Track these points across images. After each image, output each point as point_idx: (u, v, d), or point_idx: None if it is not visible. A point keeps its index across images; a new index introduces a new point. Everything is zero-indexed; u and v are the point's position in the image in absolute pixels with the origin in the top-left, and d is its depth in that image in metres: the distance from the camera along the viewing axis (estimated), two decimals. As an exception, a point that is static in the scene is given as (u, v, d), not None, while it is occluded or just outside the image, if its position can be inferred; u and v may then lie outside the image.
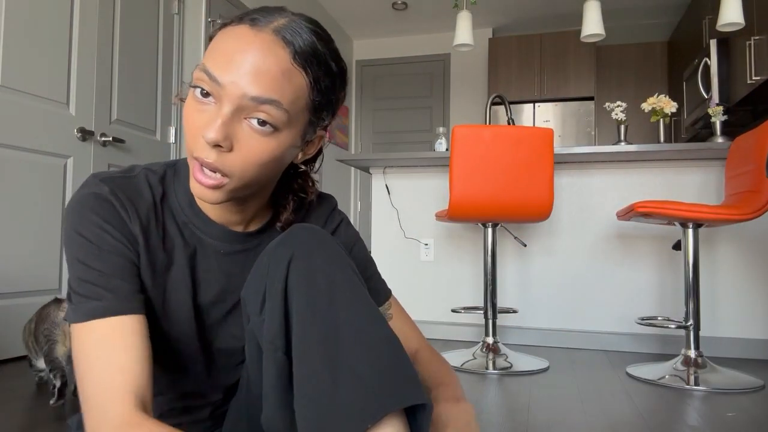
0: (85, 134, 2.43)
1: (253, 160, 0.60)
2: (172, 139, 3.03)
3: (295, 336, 0.57)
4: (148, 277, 0.66)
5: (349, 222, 0.84)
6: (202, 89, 0.59)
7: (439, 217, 2.32)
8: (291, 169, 0.74)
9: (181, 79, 3.12)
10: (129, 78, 2.72)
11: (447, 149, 2.84)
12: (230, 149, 0.59)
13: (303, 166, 0.76)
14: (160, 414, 0.73)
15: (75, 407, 1.57)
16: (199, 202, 0.70)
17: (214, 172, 0.59)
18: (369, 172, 3.04)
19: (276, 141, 0.61)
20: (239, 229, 0.72)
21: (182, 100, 0.67)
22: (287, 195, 0.75)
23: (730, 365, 2.19)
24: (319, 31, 0.63)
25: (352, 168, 5.48)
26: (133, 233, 0.64)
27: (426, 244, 2.87)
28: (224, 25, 0.61)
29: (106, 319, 0.59)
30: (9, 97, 2.12)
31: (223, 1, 3.44)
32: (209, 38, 0.63)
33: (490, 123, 2.64)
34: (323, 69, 0.63)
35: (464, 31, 3.31)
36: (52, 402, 1.55)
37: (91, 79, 2.49)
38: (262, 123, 0.59)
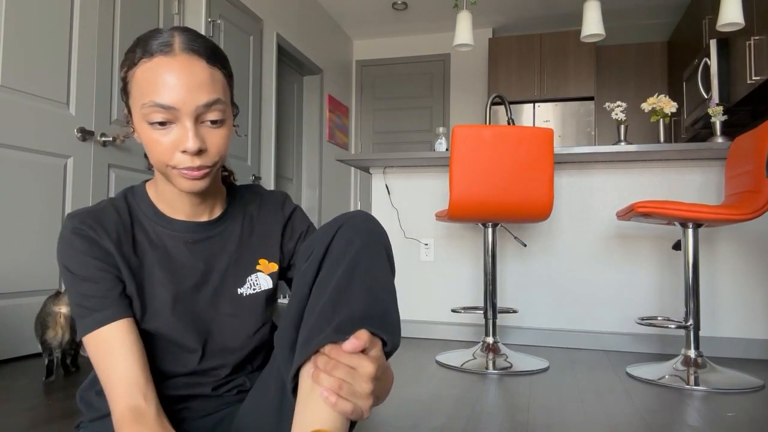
0: (85, 134, 2.43)
1: (221, 148, 0.75)
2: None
3: (321, 270, 0.71)
4: (129, 280, 0.78)
5: (303, 211, 0.97)
6: (158, 121, 0.71)
7: (439, 217, 2.32)
8: None
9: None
10: (129, 78, 2.72)
11: (447, 149, 2.84)
12: (206, 149, 0.73)
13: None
14: (168, 396, 0.81)
15: (65, 385, 1.59)
16: (161, 208, 0.83)
17: (200, 169, 0.74)
18: (369, 172, 3.04)
19: (227, 127, 0.76)
20: (205, 218, 0.86)
21: (127, 137, 0.85)
22: (224, 180, 0.92)
23: (730, 365, 2.19)
24: (196, 31, 0.76)
25: (352, 168, 5.48)
26: (106, 249, 0.77)
27: (426, 244, 2.87)
28: (135, 64, 0.73)
29: (100, 329, 0.74)
30: (9, 97, 2.12)
31: (223, 1, 3.44)
32: (122, 79, 0.76)
33: (490, 123, 2.64)
34: (221, 57, 0.77)
35: (464, 31, 3.32)
36: (43, 379, 1.82)
37: (91, 79, 2.49)
38: (214, 121, 0.73)
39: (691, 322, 2.07)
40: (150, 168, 0.85)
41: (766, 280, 2.45)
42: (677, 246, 2.23)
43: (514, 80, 5.15)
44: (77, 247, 0.76)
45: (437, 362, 2.25)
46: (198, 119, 0.72)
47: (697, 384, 1.92)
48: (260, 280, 0.88)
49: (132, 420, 0.70)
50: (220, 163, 0.77)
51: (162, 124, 0.71)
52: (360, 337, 0.62)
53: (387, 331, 0.66)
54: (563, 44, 5.05)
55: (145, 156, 0.82)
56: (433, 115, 5.67)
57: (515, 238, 2.67)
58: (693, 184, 2.53)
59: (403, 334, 2.86)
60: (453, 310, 2.51)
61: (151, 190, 0.85)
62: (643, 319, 2.22)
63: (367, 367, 0.62)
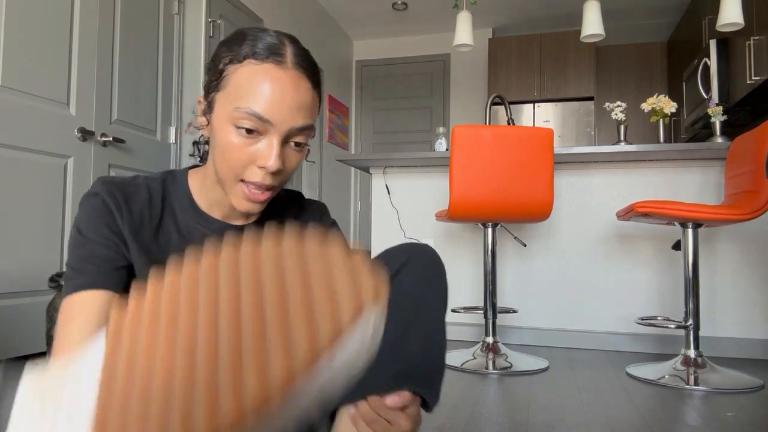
0: (86, 134, 2.43)
1: (292, 171, 0.74)
2: (172, 139, 3.03)
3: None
4: (143, 265, 0.74)
5: (339, 228, 0.95)
6: (246, 128, 0.68)
7: (439, 217, 2.32)
8: None
9: (182, 88, 3.12)
10: (129, 78, 2.72)
11: (447, 149, 2.84)
12: (282, 171, 0.71)
13: None
14: None
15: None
16: (199, 201, 0.78)
17: (268, 190, 0.71)
18: (369, 172, 3.04)
19: (304, 150, 0.74)
20: (239, 223, 0.81)
21: (198, 128, 0.77)
22: None
23: (730, 365, 2.19)
24: (301, 44, 0.73)
25: (352, 168, 5.48)
26: (120, 229, 0.73)
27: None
28: (240, 60, 0.69)
29: (78, 293, 0.69)
30: (9, 97, 2.12)
31: (223, 1, 3.44)
32: (219, 70, 0.71)
33: (490, 123, 2.64)
34: (319, 81, 0.75)
35: (464, 31, 3.32)
36: None
37: (91, 79, 2.49)
38: (298, 144, 0.72)
39: (690, 322, 2.07)
40: (201, 159, 0.82)
41: (766, 280, 2.45)
42: (677, 246, 2.23)
43: (514, 80, 5.15)
44: (93, 210, 0.72)
45: (437, 362, 2.24)
46: (286, 139, 0.70)
47: (696, 384, 1.92)
48: None
49: None
50: (282, 185, 0.75)
51: (249, 131, 0.68)
52: (403, 396, 0.66)
53: (430, 392, 0.71)
54: (563, 44, 5.05)
55: (197, 152, 0.79)
56: (433, 115, 5.67)
57: (515, 238, 2.67)
58: (693, 184, 2.54)
59: (403, 334, 2.85)
60: (453, 310, 2.51)
61: (194, 181, 0.80)
62: (642, 319, 2.23)
63: (403, 424, 0.66)
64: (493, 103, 4.82)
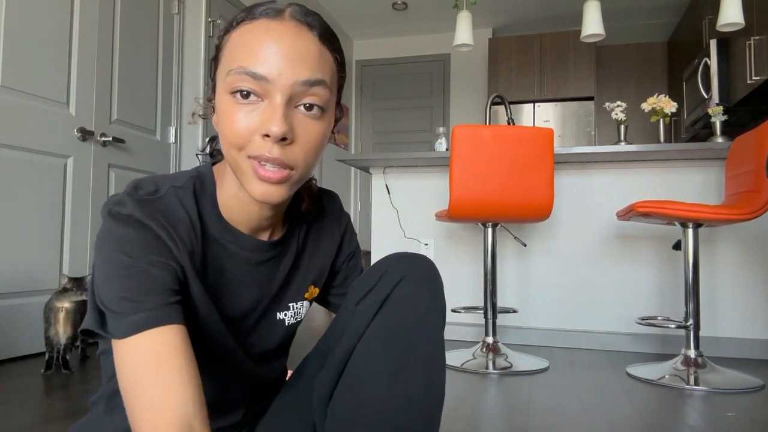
0: (85, 134, 2.43)
1: (313, 146, 0.60)
2: (172, 139, 3.03)
3: (372, 333, 0.65)
4: (200, 299, 0.64)
5: (352, 224, 0.87)
6: (243, 91, 0.57)
7: (439, 217, 2.32)
8: None
9: (182, 88, 3.12)
10: (129, 78, 2.72)
11: (447, 149, 2.84)
12: (293, 141, 0.59)
13: None
14: None
15: (63, 382, 1.59)
16: (227, 216, 0.68)
17: (279, 167, 0.59)
18: (369, 172, 3.04)
19: (326, 122, 0.62)
20: (265, 238, 0.72)
21: (203, 117, 0.67)
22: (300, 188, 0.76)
23: (730, 365, 2.19)
24: (319, 15, 0.64)
25: (352, 168, 5.48)
26: (178, 259, 0.61)
27: (426, 244, 2.87)
28: (233, 27, 0.61)
29: (149, 332, 0.54)
30: (9, 97, 2.12)
31: (223, 1, 3.44)
32: (216, 46, 0.63)
33: (490, 123, 2.64)
34: (338, 46, 0.64)
35: (464, 31, 3.31)
36: (41, 371, 1.91)
37: (91, 79, 2.49)
38: (310, 107, 0.59)
39: (691, 322, 2.07)
40: (211, 155, 0.73)
41: (766, 280, 2.45)
42: (677, 246, 2.23)
43: (514, 80, 5.15)
44: (137, 241, 0.58)
45: (437, 362, 2.24)
46: (292, 101, 0.58)
47: (697, 384, 1.92)
48: (303, 310, 0.78)
49: None
50: (305, 172, 0.62)
51: (246, 96, 0.57)
52: None
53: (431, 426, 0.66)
54: (563, 44, 5.05)
55: (209, 147, 0.71)
56: (433, 115, 5.67)
57: (515, 238, 2.67)
58: (693, 184, 2.53)
59: (403, 334, 2.85)
60: (453, 310, 2.51)
61: (217, 181, 0.69)
62: (643, 319, 2.22)
63: None
64: (493, 103, 4.82)
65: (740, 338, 2.45)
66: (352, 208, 5.79)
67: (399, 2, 4.97)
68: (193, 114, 0.71)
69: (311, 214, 0.78)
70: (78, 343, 2.00)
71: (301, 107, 0.59)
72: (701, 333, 2.12)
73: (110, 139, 2.55)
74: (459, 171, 2.06)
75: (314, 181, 0.79)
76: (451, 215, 2.12)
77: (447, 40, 5.55)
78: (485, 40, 5.35)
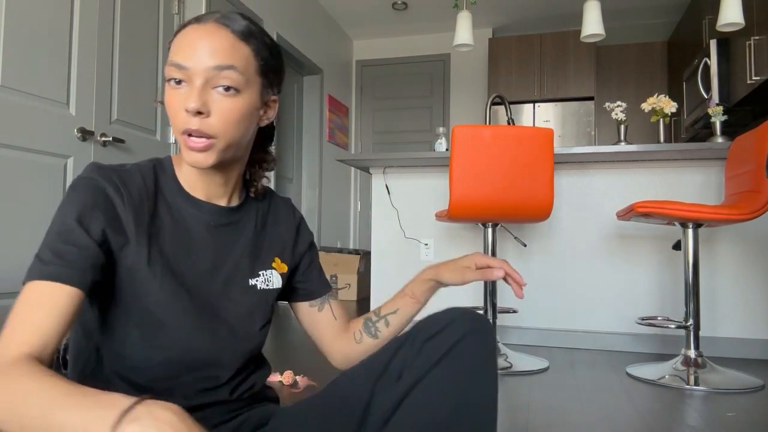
0: (85, 134, 2.43)
1: (229, 119, 0.73)
2: (172, 139, 3.03)
3: (435, 375, 0.72)
4: (142, 248, 0.74)
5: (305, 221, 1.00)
6: (174, 79, 0.72)
7: (439, 217, 2.32)
8: (257, 140, 0.87)
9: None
10: (129, 78, 2.72)
11: (447, 149, 2.84)
12: (209, 114, 0.72)
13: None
14: (181, 397, 0.75)
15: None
16: (186, 186, 0.81)
17: (201, 137, 0.72)
18: (369, 172, 3.04)
19: (242, 100, 0.74)
20: (223, 203, 0.84)
21: (161, 102, 0.82)
22: (254, 166, 0.90)
23: (730, 365, 2.19)
24: (250, 19, 0.78)
25: (352, 168, 5.48)
26: (119, 214, 0.73)
27: (426, 244, 2.87)
28: (177, 33, 0.76)
29: (46, 282, 0.66)
30: (9, 97, 2.12)
31: (223, 1, 3.44)
32: (168, 50, 0.78)
33: (490, 123, 2.64)
34: (259, 41, 0.77)
35: (464, 31, 3.31)
36: None
37: (91, 79, 2.49)
38: (227, 88, 0.72)
39: (691, 322, 2.07)
40: None
41: (766, 280, 2.45)
42: (677, 246, 2.23)
43: (514, 80, 5.15)
44: (89, 195, 0.71)
45: (437, 362, 2.24)
46: (209, 83, 0.72)
47: (697, 384, 1.92)
48: (273, 278, 0.88)
49: (27, 360, 0.60)
50: (228, 140, 0.74)
51: (178, 83, 0.72)
52: None
53: None
54: (563, 44, 5.05)
55: None
56: (433, 115, 5.67)
57: (515, 238, 2.67)
58: (693, 184, 2.53)
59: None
60: (453, 310, 2.51)
61: (176, 166, 0.83)
62: (643, 319, 2.23)
63: None
64: (493, 103, 4.82)
65: (740, 338, 2.45)
66: (352, 208, 5.79)
67: (399, 2, 4.97)
68: (155, 100, 0.88)
69: (263, 202, 0.91)
70: None
71: (219, 88, 0.72)
72: (701, 333, 2.12)
73: (110, 139, 2.55)
74: (459, 171, 2.06)
75: (263, 174, 0.92)
76: (451, 215, 2.12)
77: (447, 40, 5.55)
78: (485, 40, 5.35)
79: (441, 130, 2.95)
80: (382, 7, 5.09)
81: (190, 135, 0.72)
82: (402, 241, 2.91)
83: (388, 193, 2.94)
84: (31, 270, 0.68)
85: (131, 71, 2.74)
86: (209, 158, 0.74)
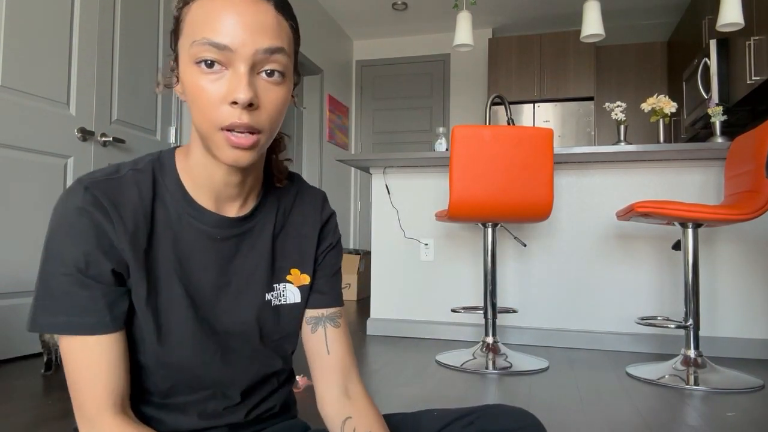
0: (85, 134, 2.43)
1: (276, 109, 0.64)
2: (172, 139, 3.03)
3: None
4: (140, 272, 0.66)
5: (336, 219, 0.87)
6: (206, 60, 0.60)
7: (439, 217, 2.32)
8: None
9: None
10: (129, 78, 2.72)
11: (447, 149, 2.84)
12: (258, 106, 0.61)
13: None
14: (196, 416, 0.73)
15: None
16: (191, 190, 0.70)
17: (248, 133, 0.62)
18: (369, 172, 3.04)
19: (286, 88, 0.65)
20: (232, 213, 0.73)
21: (168, 86, 0.69)
22: (271, 154, 0.79)
23: (730, 365, 2.19)
24: None
25: (352, 168, 5.48)
26: (114, 245, 0.64)
27: (426, 244, 2.87)
28: (189, 0, 0.63)
29: (85, 337, 0.62)
30: (9, 97, 2.12)
31: (223, 1, 3.44)
32: (175, 18, 0.66)
33: (490, 123, 2.64)
34: (292, 13, 0.67)
35: (464, 31, 3.32)
36: (41, 371, 1.93)
37: (91, 79, 2.49)
38: (271, 73, 0.62)
39: (690, 322, 2.07)
40: None
41: (766, 280, 2.45)
42: (677, 246, 2.23)
43: (514, 80, 5.15)
44: (80, 233, 0.62)
45: (437, 362, 2.25)
46: (255, 68, 0.61)
47: (696, 384, 1.92)
48: (287, 292, 0.77)
49: (116, 413, 0.63)
50: (270, 134, 0.65)
51: (210, 65, 0.60)
52: None
53: None
54: (563, 44, 5.05)
55: None
56: (433, 115, 5.67)
57: (515, 238, 2.67)
58: (693, 184, 2.54)
59: (403, 334, 2.86)
60: (453, 310, 2.51)
61: (181, 160, 0.71)
62: (642, 319, 2.23)
63: None
64: (493, 103, 4.82)
65: (740, 338, 2.45)
66: (352, 208, 5.79)
67: (399, 2, 4.97)
68: (158, 83, 0.73)
69: (289, 195, 0.79)
70: None
71: (263, 74, 0.62)
72: (701, 333, 2.12)
73: (110, 139, 2.55)
74: (459, 171, 2.06)
75: (285, 161, 0.81)
76: (451, 215, 2.12)
77: (447, 40, 5.56)
78: (485, 40, 5.35)
79: (441, 130, 2.95)
80: (382, 7, 5.09)
81: (231, 130, 0.61)
82: (402, 241, 2.91)
83: (388, 193, 2.94)
84: (69, 327, 0.62)
85: (131, 71, 2.74)
86: (252, 155, 0.63)
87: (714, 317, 2.48)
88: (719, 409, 1.65)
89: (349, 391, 0.78)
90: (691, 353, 2.05)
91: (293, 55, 0.67)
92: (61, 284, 0.62)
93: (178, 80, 0.66)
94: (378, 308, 2.93)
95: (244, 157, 0.63)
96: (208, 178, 0.69)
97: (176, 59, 0.66)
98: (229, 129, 0.61)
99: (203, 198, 0.71)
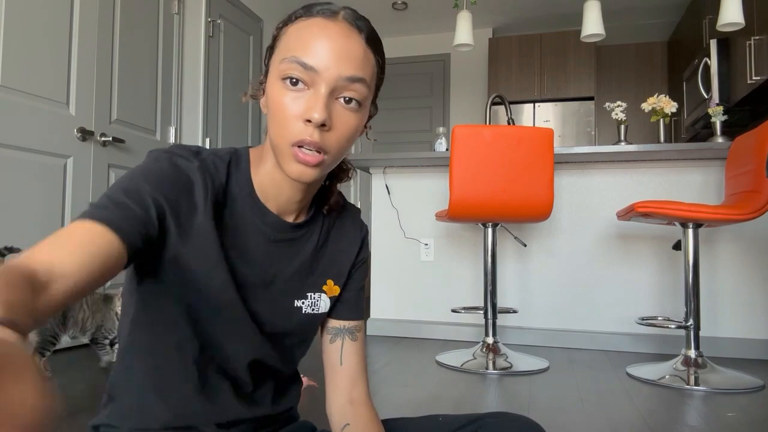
0: (85, 134, 2.43)
1: (346, 135, 0.67)
2: (172, 139, 3.03)
3: None
4: (204, 246, 0.68)
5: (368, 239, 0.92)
6: (292, 78, 0.64)
7: (439, 217, 2.32)
8: None
9: (182, 88, 3.11)
10: (129, 78, 2.72)
11: (447, 149, 2.84)
12: (330, 128, 0.65)
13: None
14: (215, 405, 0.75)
15: (92, 407, 1.59)
16: (260, 195, 0.74)
17: (314, 151, 0.65)
18: (369, 172, 3.04)
19: (359, 117, 0.69)
20: (290, 219, 0.77)
21: (253, 98, 0.75)
22: (330, 179, 0.84)
23: (730, 365, 2.19)
24: (368, 20, 0.71)
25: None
26: (195, 202, 0.67)
27: (426, 244, 2.87)
28: (291, 21, 0.68)
29: (91, 222, 0.56)
30: (9, 97, 2.11)
31: (222, 1, 3.44)
32: (273, 36, 0.71)
33: (490, 123, 2.64)
34: (381, 49, 0.72)
35: (464, 31, 3.31)
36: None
37: (91, 79, 2.49)
38: (349, 101, 0.66)
39: (691, 322, 2.07)
40: None
41: (766, 280, 2.45)
42: (677, 246, 2.23)
43: (514, 80, 5.15)
44: (172, 176, 0.66)
45: (437, 362, 2.24)
46: (334, 93, 0.65)
47: (697, 384, 1.92)
48: (321, 302, 0.81)
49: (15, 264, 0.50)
50: (336, 157, 0.68)
51: (295, 83, 0.64)
52: None
53: None
54: (563, 44, 5.05)
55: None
56: (433, 115, 5.67)
57: (515, 238, 2.67)
58: (693, 184, 2.53)
59: (403, 334, 2.86)
60: (453, 310, 2.51)
61: (253, 164, 0.75)
62: (643, 319, 2.22)
63: None
64: (493, 103, 4.82)
65: (740, 338, 2.45)
66: (352, 208, 5.79)
67: (399, 2, 4.97)
68: (245, 93, 0.77)
69: (334, 213, 0.85)
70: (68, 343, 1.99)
71: (341, 99, 0.65)
72: (701, 333, 2.12)
73: (110, 139, 2.55)
74: (459, 171, 2.06)
75: (349, 176, 0.86)
76: (451, 215, 2.12)
77: (447, 40, 5.55)
78: (485, 40, 5.35)
79: (441, 130, 2.95)
80: (382, 7, 5.09)
81: (301, 146, 0.64)
82: (402, 241, 2.91)
83: (388, 193, 2.94)
84: (81, 214, 0.58)
85: (131, 71, 2.74)
86: (314, 173, 0.66)
87: (714, 317, 2.48)
88: (720, 410, 1.64)
89: (353, 399, 0.82)
90: (692, 353, 2.05)
91: (374, 88, 0.73)
92: (115, 192, 0.61)
93: (264, 93, 0.71)
94: (378, 308, 2.93)
95: (308, 174, 0.66)
96: (276, 189, 0.73)
97: (266, 74, 0.70)
98: (299, 145, 0.64)
99: (268, 201, 0.75)
